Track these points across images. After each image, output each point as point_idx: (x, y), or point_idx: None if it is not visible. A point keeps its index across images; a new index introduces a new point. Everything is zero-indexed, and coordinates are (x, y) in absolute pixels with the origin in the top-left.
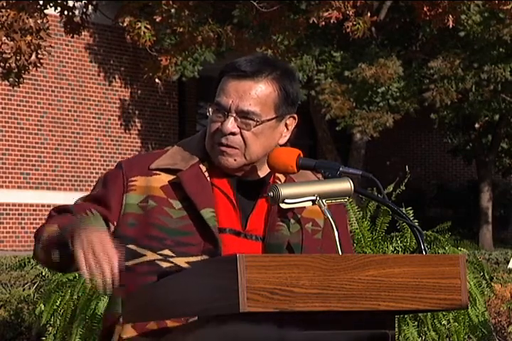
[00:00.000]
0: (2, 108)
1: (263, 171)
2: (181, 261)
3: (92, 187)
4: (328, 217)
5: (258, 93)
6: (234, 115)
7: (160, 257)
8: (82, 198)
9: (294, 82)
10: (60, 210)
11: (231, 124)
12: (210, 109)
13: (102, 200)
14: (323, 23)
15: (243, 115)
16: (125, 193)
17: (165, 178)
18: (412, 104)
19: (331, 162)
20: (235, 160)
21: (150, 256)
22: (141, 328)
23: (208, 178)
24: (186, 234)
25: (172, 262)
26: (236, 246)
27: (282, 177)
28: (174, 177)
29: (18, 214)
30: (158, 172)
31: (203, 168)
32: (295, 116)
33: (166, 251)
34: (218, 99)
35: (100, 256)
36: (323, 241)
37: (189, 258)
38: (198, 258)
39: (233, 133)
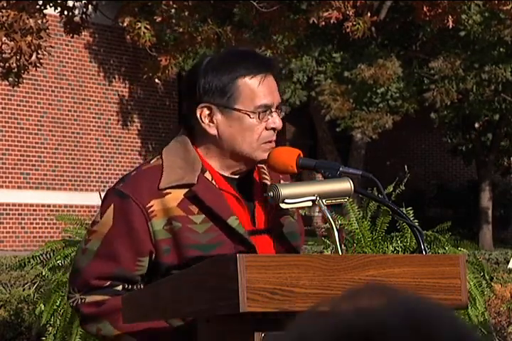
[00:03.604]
0: (2, 108)
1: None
2: None
3: (91, 187)
4: (328, 217)
5: (277, 85)
6: (276, 110)
7: None
8: (99, 243)
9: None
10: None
11: (279, 119)
12: (253, 114)
13: (132, 235)
14: (323, 23)
15: (278, 107)
16: (149, 221)
17: (178, 195)
18: (412, 104)
19: (331, 162)
20: None
21: None
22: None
23: (217, 186)
24: (216, 246)
25: None
26: (258, 245)
27: (267, 173)
28: (185, 191)
29: (18, 214)
30: (168, 190)
31: (209, 177)
32: None
33: None
34: (262, 101)
35: None
36: (297, 222)
37: None
38: None
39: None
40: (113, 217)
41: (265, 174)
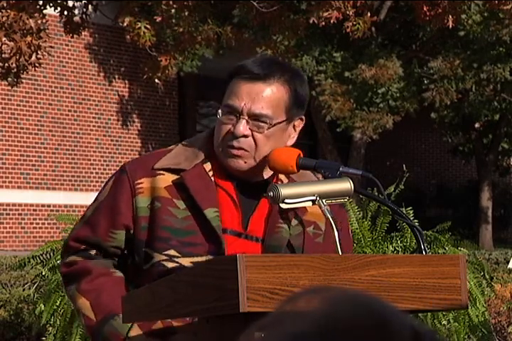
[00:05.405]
0: (2, 108)
1: (267, 173)
2: (186, 262)
3: (91, 187)
4: (328, 217)
5: (270, 95)
6: (246, 118)
7: (165, 257)
8: (92, 210)
9: (303, 84)
10: (83, 247)
11: (243, 127)
12: (219, 111)
13: (113, 207)
14: (323, 23)
15: (255, 118)
16: (134, 197)
17: (169, 178)
18: (412, 104)
19: (331, 162)
20: (245, 162)
21: (157, 257)
22: (148, 327)
23: (212, 178)
24: (190, 234)
25: (177, 262)
26: (237, 247)
27: (285, 179)
28: (178, 176)
29: (18, 214)
30: (162, 172)
31: (207, 168)
32: (303, 117)
33: (172, 252)
34: (230, 101)
35: None
36: (324, 244)
37: (194, 258)
38: (204, 258)
39: (245, 136)
40: (109, 189)
41: (281, 180)
